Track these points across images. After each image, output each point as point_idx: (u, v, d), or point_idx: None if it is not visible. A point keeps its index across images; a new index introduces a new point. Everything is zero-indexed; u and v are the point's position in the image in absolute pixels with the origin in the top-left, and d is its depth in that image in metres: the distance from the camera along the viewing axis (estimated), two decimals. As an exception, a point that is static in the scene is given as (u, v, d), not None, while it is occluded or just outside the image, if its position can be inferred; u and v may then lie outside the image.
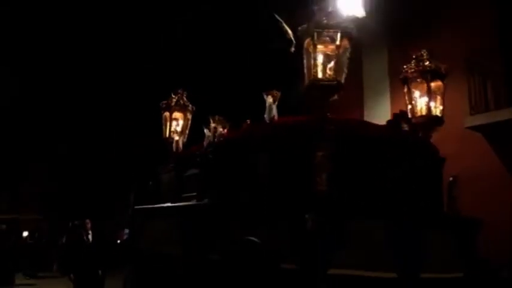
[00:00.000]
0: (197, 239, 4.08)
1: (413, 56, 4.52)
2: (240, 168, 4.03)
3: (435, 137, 10.95)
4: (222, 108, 4.99)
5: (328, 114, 3.62)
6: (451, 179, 4.33)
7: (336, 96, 3.68)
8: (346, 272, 3.24)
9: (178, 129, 5.32)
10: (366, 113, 12.89)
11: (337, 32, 3.64)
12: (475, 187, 7.95)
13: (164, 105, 5.38)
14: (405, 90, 4.58)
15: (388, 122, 4.10)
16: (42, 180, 20.87)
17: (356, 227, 3.33)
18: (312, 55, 3.68)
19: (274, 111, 3.93)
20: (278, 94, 3.98)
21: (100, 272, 6.41)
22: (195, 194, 4.45)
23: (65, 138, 18.70)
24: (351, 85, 12.58)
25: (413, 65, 4.51)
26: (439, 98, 4.47)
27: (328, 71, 3.65)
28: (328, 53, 3.66)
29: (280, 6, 4.61)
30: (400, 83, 11.58)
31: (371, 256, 3.36)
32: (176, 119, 5.36)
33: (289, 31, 4.43)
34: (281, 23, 4.62)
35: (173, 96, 5.41)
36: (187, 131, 5.38)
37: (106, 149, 17.41)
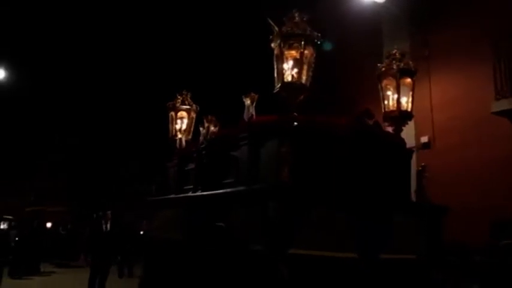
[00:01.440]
0: (193, 225, 4.63)
1: (387, 55, 4.78)
2: (224, 162, 4.55)
3: (460, 123, 10.87)
4: (222, 107, 5.52)
5: (295, 113, 4.04)
6: (419, 168, 4.62)
7: (302, 97, 4.09)
8: (308, 252, 3.66)
9: (184, 127, 5.91)
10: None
11: (302, 40, 4.05)
12: (501, 172, 7.99)
13: (170, 106, 5.99)
14: (379, 87, 4.85)
15: (354, 118, 4.42)
16: (66, 174, 22.51)
17: (317, 214, 3.75)
18: (281, 60, 4.12)
19: (252, 111, 4.40)
20: (255, 96, 4.44)
21: (119, 257, 7.22)
22: (191, 186, 5.03)
23: (87, 134, 20.03)
24: (371, 72, 12.74)
25: (385, 63, 4.78)
26: (409, 94, 4.73)
27: (294, 75, 4.07)
28: (294, 58, 4.08)
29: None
30: (422, 71, 11.58)
31: (332, 239, 3.76)
32: (181, 118, 5.95)
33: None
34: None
35: (178, 96, 6.00)
36: (191, 129, 5.95)
37: (128, 144, 18.46)
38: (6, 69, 15.08)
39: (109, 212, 9.54)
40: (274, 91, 4.16)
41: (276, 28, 4.33)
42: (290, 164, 3.75)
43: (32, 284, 11.55)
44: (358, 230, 3.89)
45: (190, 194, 4.98)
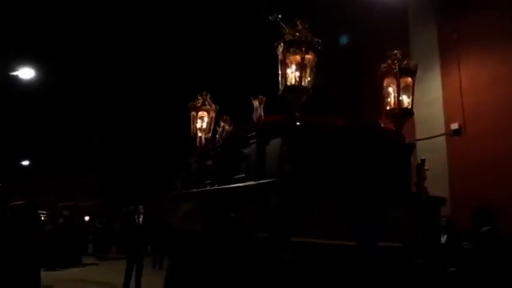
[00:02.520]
0: (209, 216, 5.35)
1: (388, 56, 5.29)
2: (237, 158, 5.23)
3: (492, 109, 11.19)
4: (238, 107, 6.18)
5: (297, 114, 4.65)
6: (419, 161, 5.15)
7: (304, 99, 4.69)
8: (309, 240, 4.29)
9: (204, 126, 6.61)
10: (415, 87, 13.34)
11: (303, 46, 4.65)
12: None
13: (191, 106, 6.70)
14: (384, 85, 5.36)
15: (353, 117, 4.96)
16: (98, 170, 24.10)
17: (318, 206, 4.36)
18: (284, 65, 4.73)
19: (260, 112, 5.04)
20: (263, 98, 5.07)
21: (149, 247, 8.16)
22: (209, 181, 5.75)
23: (117, 132, 21.38)
24: (397, 59, 13.11)
25: (387, 63, 5.29)
26: (409, 92, 5.23)
27: (297, 79, 4.68)
28: (297, 63, 4.68)
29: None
30: (451, 56, 11.83)
31: (331, 229, 4.36)
32: (201, 118, 6.65)
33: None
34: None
35: (199, 97, 6.70)
36: (211, 128, 6.65)
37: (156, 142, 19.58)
38: (36, 68, 16.37)
39: (141, 206, 10.58)
40: (279, 93, 4.78)
41: (287, 29, 4.94)
42: (292, 161, 4.38)
43: (72, 274, 12.69)
44: (356, 220, 4.47)
45: (208, 188, 5.70)
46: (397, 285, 4.31)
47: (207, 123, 6.64)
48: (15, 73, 15.61)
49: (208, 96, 6.71)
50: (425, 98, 13.04)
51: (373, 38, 14.34)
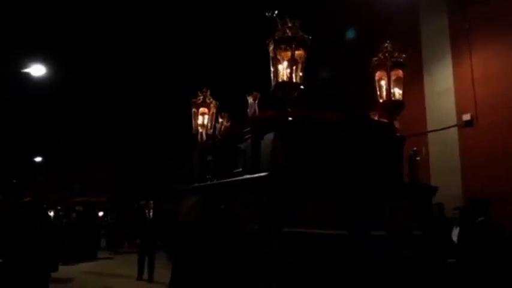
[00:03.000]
0: (209, 209, 5.69)
1: (380, 49, 5.52)
2: (234, 153, 5.55)
3: (506, 99, 11.29)
4: (238, 102, 6.48)
5: (290, 109, 4.94)
6: (411, 152, 5.40)
7: (295, 94, 4.97)
8: (300, 230, 4.58)
9: (205, 122, 6.93)
10: (426, 78, 13.37)
11: (293, 43, 4.92)
12: None
13: (192, 102, 7.03)
14: (376, 78, 5.60)
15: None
16: (108, 167, 24.95)
17: (309, 197, 4.64)
18: (275, 62, 5.02)
19: (255, 108, 5.35)
20: (258, 95, 5.37)
21: (159, 242, 8.65)
22: (210, 175, 6.09)
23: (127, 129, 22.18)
24: (407, 50, 13.24)
25: (378, 57, 5.52)
26: (400, 85, 5.46)
27: (288, 75, 4.96)
28: (287, 60, 4.96)
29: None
30: (463, 45, 11.83)
31: (324, 219, 4.65)
32: (202, 114, 6.97)
33: None
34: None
35: (199, 94, 7.03)
36: (212, 124, 6.96)
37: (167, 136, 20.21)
38: (47, 65, 16.95)
39: (151, 201, 11.15)
40: (271, 90, 5.08)
41: (280, 24, 5.21)
42: (284, 155, 4.68)
43: (88, 268, 13.24)
44: (348, 210, 4.75)
45: (208, 182, 6.05)
46: (386, 273, 4.58)
47: (208, 119, 6.96)
48: (26, 70, 16.24)
49: (209, 92, 7.03)
50: (436, 89, 13.12)
51: (381, 28, 14.47)
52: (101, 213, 21.02)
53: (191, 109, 7.03)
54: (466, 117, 12.13)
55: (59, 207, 15.54)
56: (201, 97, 6.99)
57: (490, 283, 4.65)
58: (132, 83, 20.32)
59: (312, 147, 4.84)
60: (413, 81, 13.74)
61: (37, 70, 16.21)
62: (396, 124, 13.45)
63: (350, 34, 14.18)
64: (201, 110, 6.97)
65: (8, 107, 19.81)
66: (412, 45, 13.82)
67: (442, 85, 12.95)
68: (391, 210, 4.91)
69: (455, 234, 8.82)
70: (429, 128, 13.17)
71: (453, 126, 12.46)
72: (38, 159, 28.80)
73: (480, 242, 4.63)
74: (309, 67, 5.16)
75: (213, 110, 6.98)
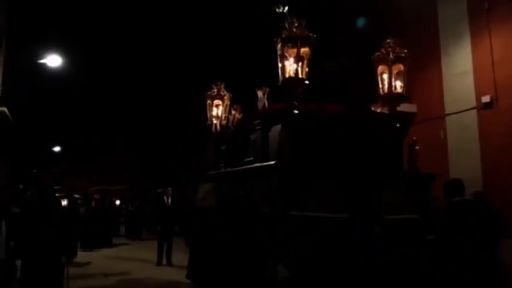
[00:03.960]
0: (222, 195, 6.46)
1: (382, 44, 6.14)
2: (246, 143, 6.29)
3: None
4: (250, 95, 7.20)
5: (295, 103, 5.63)
6: (411, 142, 6.05)
7: (301, 89, 5.66)
8: (305, 214, 5.30)
9: (219, 113, 7.66)
10: (443, 60, 13.76)
11: (299, 42, 5.60)
12: None
13: (207, 95, 7.77)
14: (378, 72, 6.23)
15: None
16: (126, 155, 26.21)
17: (314, 184, 5.36)
18: (282, 59, 5.70)
19: (264, 101, 6.07)
20: (267, 89, 6.09)
21: (176, 228, 9.56)
22: (223, 164, 6.87)
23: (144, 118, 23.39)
24: (424, 32, 13.76)
25: (381, 52, 6.15)
26: (402, 78, 6.09)
27: (294, 71, 5.65)
28: (294, 57, 5.64)
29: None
30: (482, 26, 12.18)
31: (327, 204, 5.36)
32: (217, 106, 7.69)
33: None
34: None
35: (214, 87, 7.76)
36: (226, 115, 7.68)
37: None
38: (64, 56, 17.92)
39: (169, 188, 12.07)
40: (278, 85, 5.78)
41: (288, 21, 5.87)
42: (290, 145, 5.39)
43: (106, 253, 14.36)
44: (350, 196, 5.45)
45: (222, 170, 6.82)
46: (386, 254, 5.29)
47: (222, 110, 7.69)
48: (43, 61, 17.20)
49: (223, 85, 7.76)
50: (454, 71, 13.48)
51: (398, 11, 14.90)
52: (118, 202, 22.29)
53: (206, 101, 7.78)
54: (486, 99, 12.41)
55: (77, 196, 16.57)
56: (216, 90, 7.72)
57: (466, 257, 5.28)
58: (148, 75, 21.47)
59: (316, 137, 5.53)
60: (431, 64, 14.17)
61: (53, 61, 17.18)
62: (413, 108, 14.04)
63: (361, 22, 14.65)
64: (216, 102, 7.67)
65: (26, 98, 20.97)
66: (429, 27, 14.26)
67: (461, 67, 13.29)
68: (390, 195, 5.59)
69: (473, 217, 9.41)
70: (447, 111, 13.57)
71: (472, 108, 12.83)
72: (57, 149, 30.36)
73: (456, 219, 5.24)
74: (316, 61, 5.84)
75: (227, 101, 7.68)
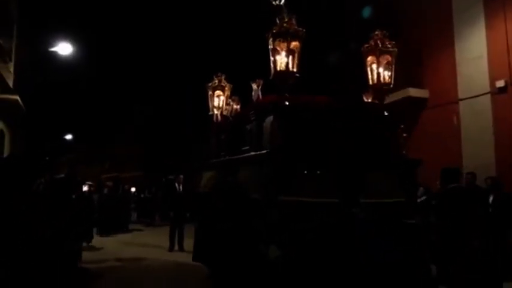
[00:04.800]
0: (217, 181, 7.19)
1: (371, 36, 6.75)
2: (243, 133, 7.00)
3: None
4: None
5: (287, 94, 6.30)
6: (399, 129, 6.68)
7: (292, 81, 6.33)
8: (295, 199, 5.99)
9: (220, 104, 8.36)
10: (457, 45, 14.18)
11: (289, 36, 6.25)
12: None
13: (208, 86, 8.48)
14: (367, 63, 6.84)
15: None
16: (138, 143, 27.36)
17: (303, 171, 6.04)
18: (274, 53, 6.36)
19: (259, 93, 6.76)
20: (261, 81, 6.76)
21: (188, 214, 10.38)
22: (223, 153, 7.60)
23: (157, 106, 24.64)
24: (438, 16, 14.41)
25: (370, 43, 6.76)
26: (390, 68, 6.69)
27: (284, 64, 6.31)
28: (284, 51, 6.30)
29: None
30: (497, 8, 12.64)
31: (316, 190, 6.04)
32: (218, 96, 8.39)
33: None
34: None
35: (214, 78, 8.46)
36: (226, 105, 8.38)
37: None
38: (75, 44, 18.80)
39: (181, 176, 12.95)
40: (270, 78, 6.45)
41: (285, 12, 6.52)
42: (281, 134, 6.07)
43: (122, 238, 15.44)
44: (338, 181, 6.10)
45: (222, 158, 7.57)
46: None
47: (223, 101, 8.39)
48: (54, 49, 18.09)
49: (223, 76, 8.44)
50: (468, 55, 13.86)
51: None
52: (133, 189, 23.50)
53: (207, 92, 8.51)
54: (500, 83, 12.78)
55: (90, 183, 17.57)
56: (216, 81, 8.42)
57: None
58: (155, 64, 22.61)
59: (306, 127, 6.16)
60: (444, 49, 14.59)
61: (64, 49, 18.06)
62: (425, 93, 14.52)
63: (366, 12, 15.15)
64: (217, 92, 8.34)
65: (38, 86, 22.04)
66: (443, 11, 14.65)
67: (475, 51, 13.67)
68: (377, 180, 6.24)
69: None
70: (461, 96, 14.02)
71: (486, 93, 13.25)
72: (69, 137, 31.65)
73: (452, 204, 5.87)
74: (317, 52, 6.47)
75: (228, 92, 8.35)
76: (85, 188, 13.57)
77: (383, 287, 5.67)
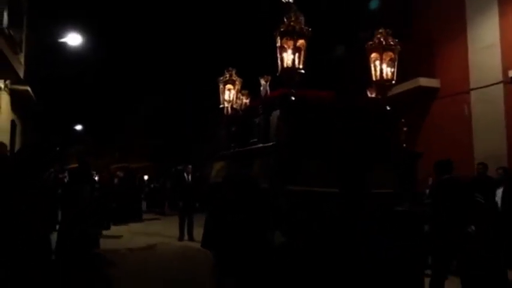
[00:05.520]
0: (232, 172, 7.90)
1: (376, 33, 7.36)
2: (252, 126, 7.70)
3: None
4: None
5: (293, 90, 6.96)
6: (400, 123, 7.32)
7: (297, 78, 6.98)
8: (301, 189, 6.68)
9: (231, 97, 9.04)
10: (469, 33, 14.68)
11: (295, 35, 6.91)
12: None
13: (219, 80, 9.17)
14: (370, 59, 7.46)
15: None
16: (146, 133, 28.43)
17: (308, 163, 6.72)
18: (281, 50, 7.02)
19: (267, 89, 7.44)
20: (269, 77, 7.44)
21: (197, 204, 11.19)
22: (233, 144, 8.31)
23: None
24: (450, 4, 15.17)
25: (374, 41, 7.38)
26: (392, 65, 7.31)
27: (291, 62, 6.97)
28: (291, 49, 6.96)
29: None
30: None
31: (320, 180, 6.72)
32: (229, 90, 9.08)
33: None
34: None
35: (226, 72, 9.15)
36: (236, 99, 9.06)
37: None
38: (85, 34, 19.59)
39: (190, 166, 13.75)
40: (277, 74, 7.12)
41: (294, 9, 7.18)
42: (286, 128, 6.74)
43: (134, 228, 16.45)
44: (341, 172, 6.78)
45: (232, 150, 8.27)
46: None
47: (234, 94, 9.09)
48: (63, 40, 18.87)
49: (234, 71, 9.13)
50: (481, 44, 14.36)
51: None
52: (146, 177, 24.64)
53: (218, 86, 9.22)
54: (513, 73, 13.40)
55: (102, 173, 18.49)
56: (228, 75, 9.11)
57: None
58: (164, 56, 23.47)
59: (311, 121, 6.85)
60: (456, 37, 15.10)
61: (73, 39, 18.86)
62: (436, 83, 15.09)
63: (374, 4, 15.65)
64: (227, 86, 8.99)
65: (47, 77, 22.90)
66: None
67: (487, 39, 14.17)
68: (377, 173, 6.91)
69: (499, 194, 10.29)
70: (472, 86, 14.57)
71: (498, 83, 13.78)
72: (79, 127, 32.75)
73: (445, 194, 6.54)
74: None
75: (238, 86, 9.02)
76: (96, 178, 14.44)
77: (380, 283, 6.37)
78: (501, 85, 13.66)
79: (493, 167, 11.35)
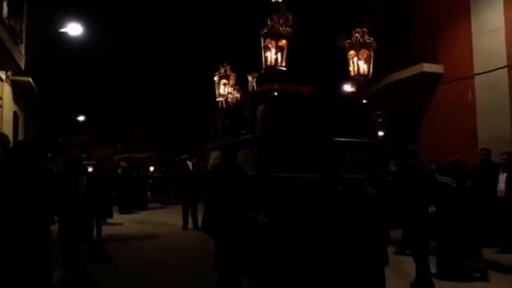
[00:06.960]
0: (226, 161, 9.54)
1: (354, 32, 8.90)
2: (241, 119, 9.33)
3: None
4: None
5: (276, 85, 8.58)
6: (374, 115, 8.92)
7: (279, 75, 8.58)
8: (283, 175, 8.27)
9: (226, 91, 10.65)
10: (473, 19, 15.87)
11: (277, 36, 8.50)
12: None
13: (215, 75, 10.80)
14: (349, 56, 9.02)
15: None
16: (149, 124, 30.42)
17: (290, 151, 8.32)
18: (265, 50, 8.61)
19: (254, 84, 9.08)
20: (256, 74, 9.06)
21: (200, 193, 12.88)
22: (227, 136, 9.99)
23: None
24: None
25: (352, 39, 8.93)
26: (368, 61, 8.87)
27: (273, 61, 8.58)
28: (274, 48, 8.55)
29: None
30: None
31: (301, 167, 8.31)
32: (224, 84, 10.68)
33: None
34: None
35: (220, 68, 10.77)
36: (230, 93, 10.66)
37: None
38: (86, 25, 21.09)
39: (194, 157, 15.48)
40: (262, 72, 8.71)
41: (283, 9, 8.80)
42: (269, 120, 8.32)
43: (138, 217, 18.40)
44: (320, 159, 8.35)
45: (225, 141, 9.95)
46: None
47: (228, 89, 10.66)
48: (64, 30, 20.46)
49: (229, 66, 10.65)
50: (485, 29, 15.37)
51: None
52: (152, 168, 26.49)
53: (213, 80, 10.86)
54: (518, 59, 13.58)
55: (105, 163, 20.14)
56: (222, 70, 10.67)
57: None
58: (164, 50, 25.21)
59: (292, 113, 8.42)
60: (460, 22, 16.32)
61: (74, 29, 20.47)
62: (440, 69, 16.54)
63: None
64: (222, 81, 10.51)
65: (49, 68, 24.63)
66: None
67: (491, 24, 15.11)
68: (351, 159, 8.46)
69: (503, 179, 11.38)
70: (476, 71, 15.70)
71: (503, 67, 14.80)
72: (81, 118, 34.64)
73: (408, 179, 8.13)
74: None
75: (233, 81, 10.55)
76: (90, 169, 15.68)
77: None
78: (505, 70, 14.54)
79: (497, 152, 12.30)
